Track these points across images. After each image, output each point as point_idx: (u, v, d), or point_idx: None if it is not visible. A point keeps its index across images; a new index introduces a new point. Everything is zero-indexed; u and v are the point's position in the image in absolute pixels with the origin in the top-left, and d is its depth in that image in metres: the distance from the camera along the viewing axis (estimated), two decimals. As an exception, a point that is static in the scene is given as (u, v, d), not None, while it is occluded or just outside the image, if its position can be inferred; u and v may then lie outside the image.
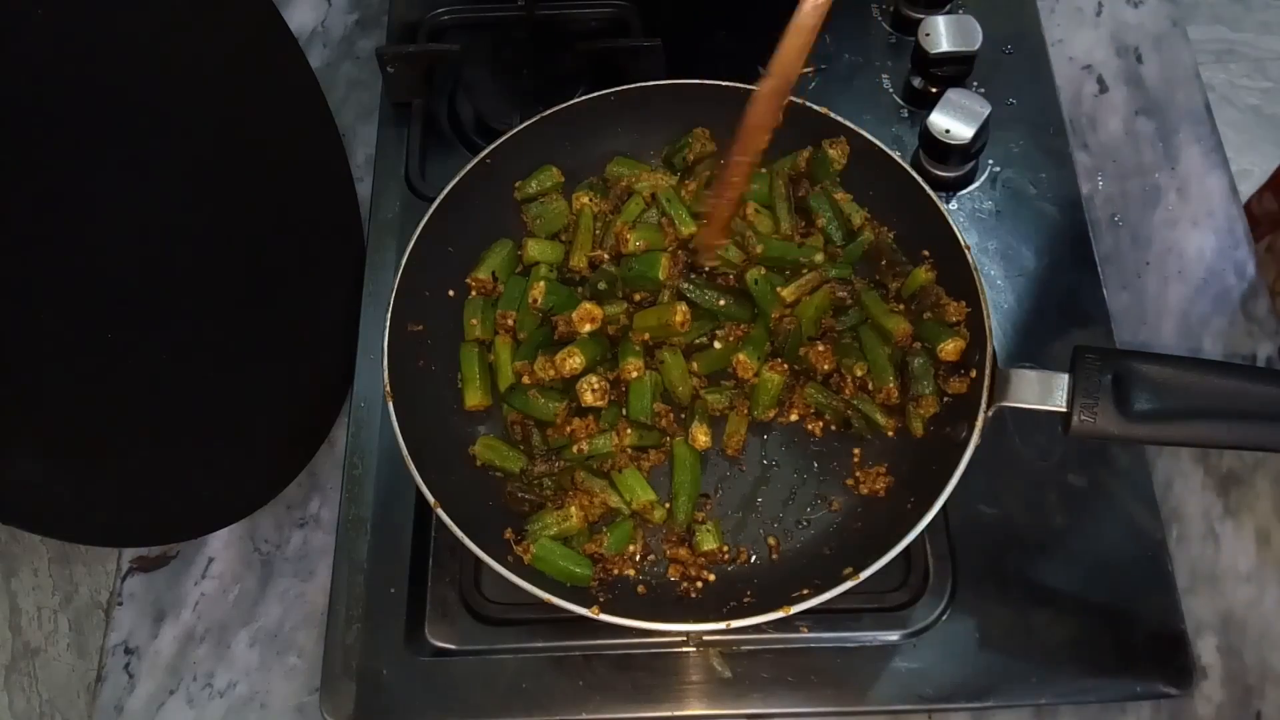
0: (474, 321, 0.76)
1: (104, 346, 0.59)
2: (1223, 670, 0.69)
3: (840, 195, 0.79)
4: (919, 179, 0.74)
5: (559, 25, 0.92)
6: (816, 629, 0.69)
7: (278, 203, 0.75)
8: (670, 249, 0.78)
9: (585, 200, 0.80)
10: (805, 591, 0.62)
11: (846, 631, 0.69)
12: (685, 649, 0.69)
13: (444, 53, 0.89)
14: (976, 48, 0.85)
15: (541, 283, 0.76)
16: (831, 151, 0.79)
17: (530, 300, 0.76)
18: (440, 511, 0.64)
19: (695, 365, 0.75)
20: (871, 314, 0.75)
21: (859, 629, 0.69)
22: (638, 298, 0.77)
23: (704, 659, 0.69)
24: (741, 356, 0.74)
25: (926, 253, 0.76)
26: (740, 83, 0.78)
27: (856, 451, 0.73)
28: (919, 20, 0.87)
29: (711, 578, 0.69)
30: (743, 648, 0.69)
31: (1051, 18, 0.94)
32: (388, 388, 0.69)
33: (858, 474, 0.72)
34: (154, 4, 0.63)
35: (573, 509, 0.69)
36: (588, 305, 0.73)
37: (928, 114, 0.81)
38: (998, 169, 0.85)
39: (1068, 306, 0.79)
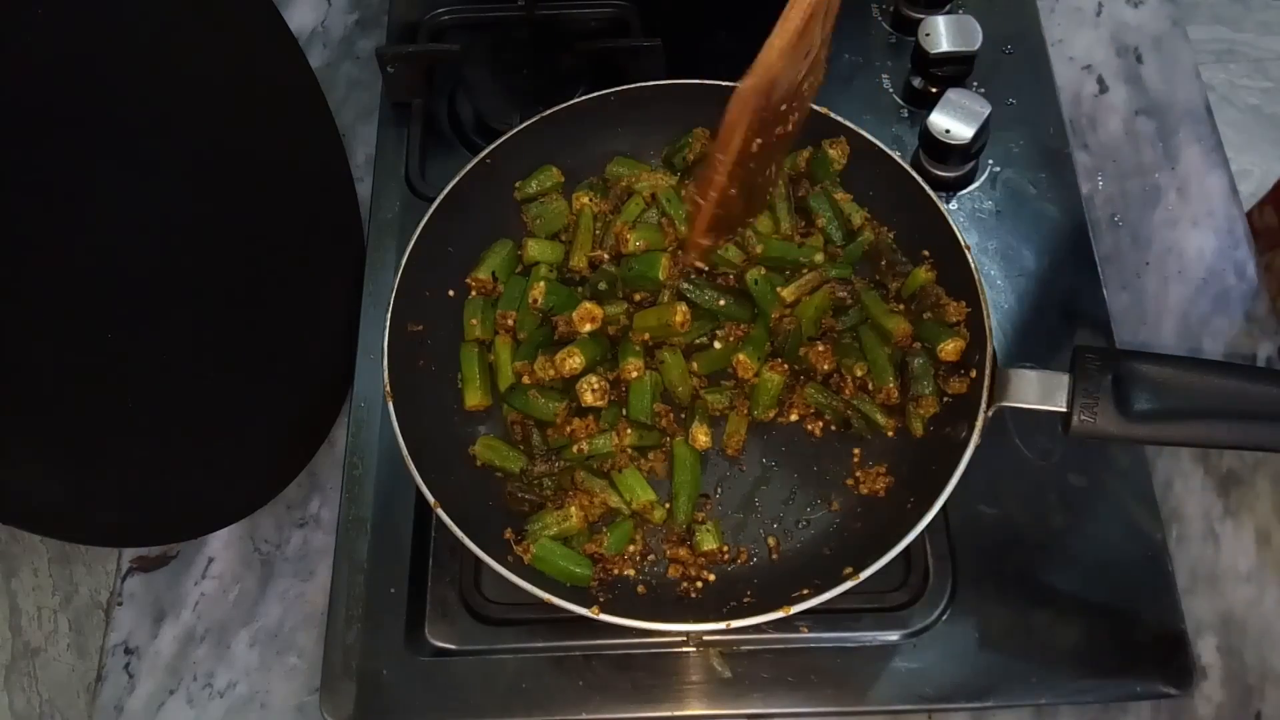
0: (474, 321, 0.76)
1: (104, 346, 0.59)
2: (1223, 670, 0.69)
3: (840, 195, 0.79)
4: (919, 179, 0.74)
5: (559, 25, 0.92)
6: (816, 629, 0.69)
7: (278, 203, 0.75)
8: (670, 249, 0.78)
9: (585, 200, 0.80)
10: (805, 591, 0.62)
11: (846, 631, 0.69)
12: (685, 649, 0.69)
13: (444, 53, 0.89)
14: (976, 48, 0.85)
15: (541, 283, 0.76)
16: (831, 151, 0.79)
17: (530, 300, 0.76)
18: (440, 511, 0.64)
19: (695, 365, 0.75)
20: (871, 314, 0.75)
21: (859, 629, 0.69)
22: (638, 298, 0.77)
23: (704, 659, 0.69)
24: (741, 356, 0.74)
25: (926, 253, 0.76)
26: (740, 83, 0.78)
27: (856, 451, 0.73)
28: (919, 20, 0.87)
29: (711, 578, 0.69)
30: (743, 648, 0.69)
31: (1051, 18, 0.94)
32: (388, 388, 0.69)
33: (858, 474, 0.72)
34: (154, 4, 0.63)
35: (573, 509, 0.69)
36: (588, 305, 0.74)
37: (928, 114, 0.81)
38: (998, 169, 0.85)
39: (1068, 306, 0.79)
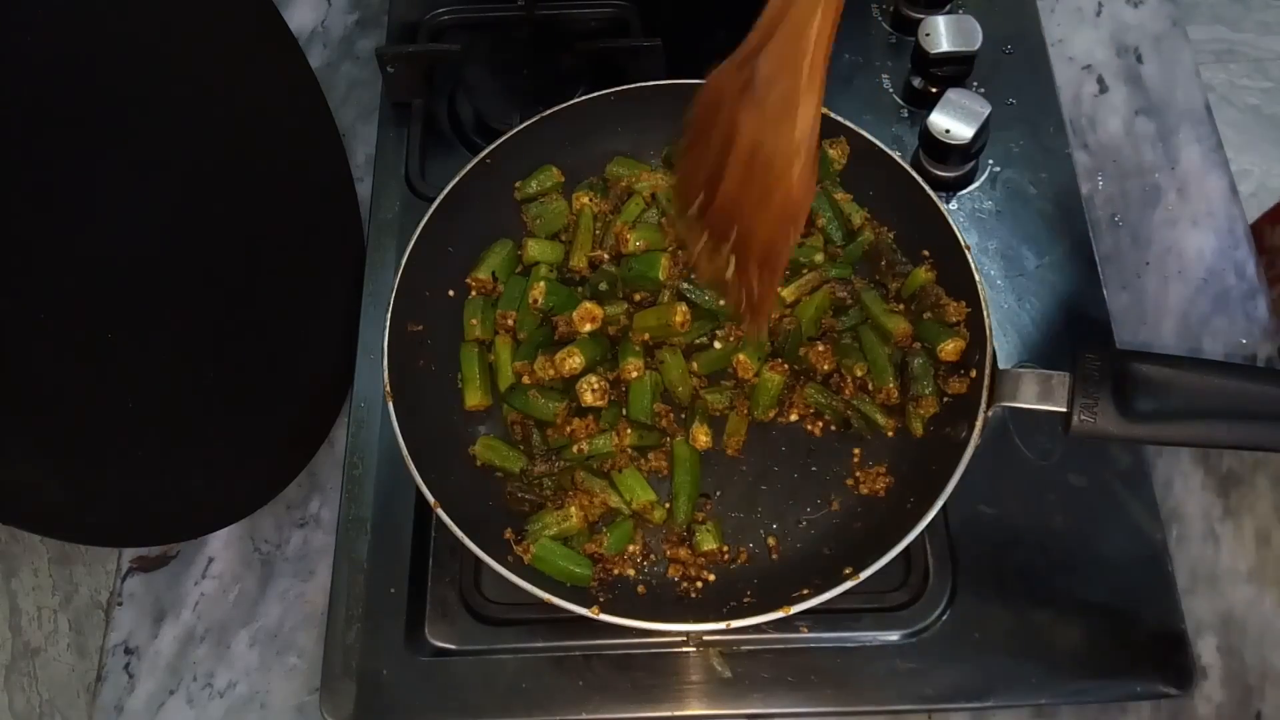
0: (474, 321, 0.76)
1: (104, 346, 0.59)
2: (1223, 670, 0.69)
3: (840, 195, 0.79)
4: (919, 179, 0.74)
5: (559, 25, 0.92)
6: (816, 629, 0.69)
7: (278, 203, 0.75)
8: (670, 249, 0.78)
9: (585, 200, 0.80)
10: (805, 591, 0.62)
11: (846, 631, 0.69)
12: (685, 649, 0.69)
13: (444, 53, 0.89)
14: (976, 48, 0.85)
15: (542, 283, 0.76)
16: (831, 151, 0.79)
17: (530, 300, 0.76)
18: (440, 511, 0.64)
19: (695, 365, 0.75)
20: (871, 314, 0.75)
21: (859, 629, 0.69)
22: (638, 298, 0.77)
23: (704, 659, 0.69)
24: (742, 357, 0.74)
25: (926, 253, 0.76)
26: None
27: (856, 451, 0.73)
28: (919, 20, 0.87)
29: (711, 578, 0.69)
30: (743, 648, 0.69)
31: (1051, 18, 0.94)
32: (388, 388, 0.69)
33: (858, 474, 0.72)
34: (154, 4, 0.63)
35: (573, 509, 0.69)
36: (588, 305, 0.74)
37: (928, 114, 0.81)
38: (998, 169, 0.85)
39: (1068, 306, 0.79)
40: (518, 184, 0.80)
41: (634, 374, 0.73)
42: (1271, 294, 0.81)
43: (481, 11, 0.94)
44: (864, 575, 0.62)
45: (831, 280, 0.76)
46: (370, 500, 0.74)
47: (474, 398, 0.74)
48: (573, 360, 0.72)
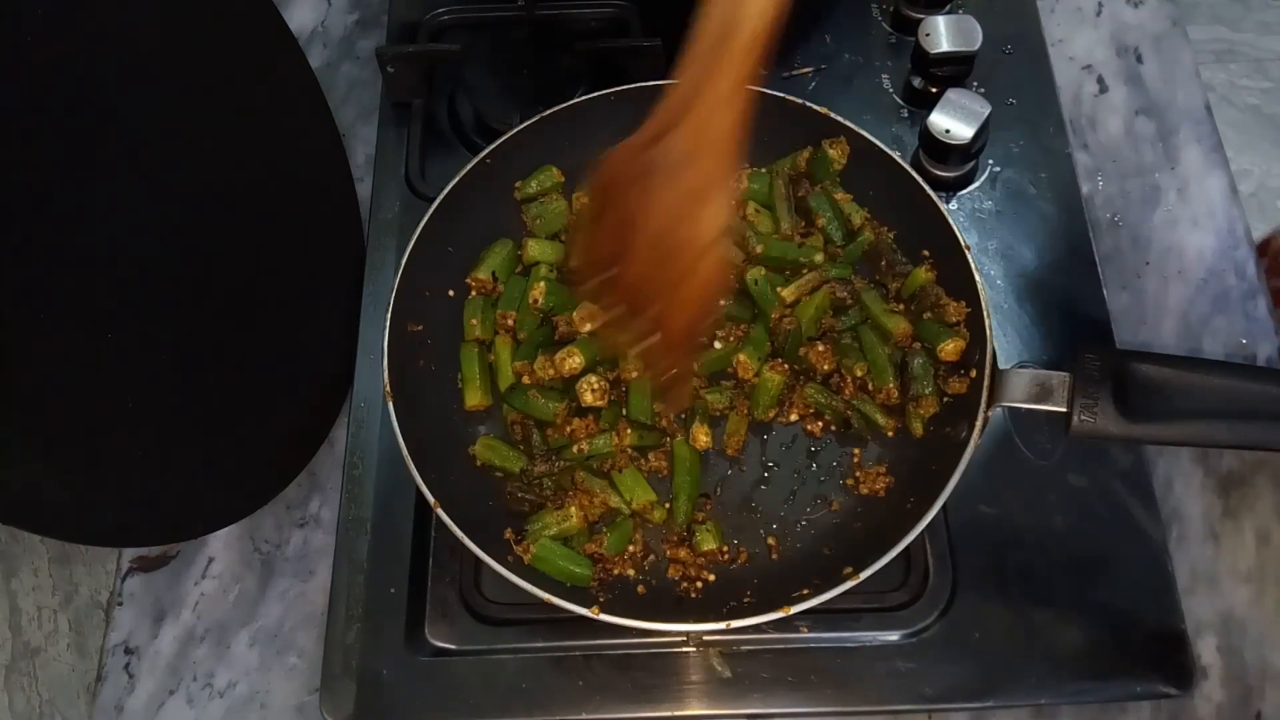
0: (474, 321, 0.76)
1: (104, 347, 0.59)
2: (1223, 670, 0.69)
3: (840, 195, 0.79)
4: (919, 179, 0.74)
5: (559, 25, 0.92)
6: (816, 629, 0.69)
7: (277, 202, 0.75)
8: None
9: (585, 200, 0.80)
10: (805, 591, 0.62)
11: (846, 631, 0.69)
12: (685, 649, 0.69)
13: (444, 53, 0.89)
14: (976, 48, 0.85)
15: (542, 283, 0.76)
16: (831, 151, 0.79)
17: (530, 300, 0.76)
18: (440, 511, 0.64)
19: (695, 365, 0.75)
20: (871, 314, 0.75)
21: (859, 629, 0.69)
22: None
23: (704, 659, 0.69)
24: (742, 357, 0.74)
25: (926, 253, 0.76)
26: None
27: (856, 451, 0.73)
28: (919, 20, 0.87)
29: (711, 578, 0.69)
30: (743, 648, 0.69)
31: (1051, 18, 0.94)
32: (388, 388, 0.69)
33: (858, 474, 0.72)
34: (154, 4, 0.63)
35: (573, 509, 0.69)
36: (588, 305, 0.73)
37: (928, 114, 0.81)
38: (998, 169, 0.85)
39: (1068, 306, 0.79)
40: (518, 184, 0.80)
41: (634, 374, 0.73)
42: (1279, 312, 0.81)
43: (481, 11, 0.94)
44: (864, 575, 0.62)
45: (831, 280, 0.76)
46: (370, 500, 0.74)
47: (474, 398, 0.74)
48: (573, 360, 0.72)
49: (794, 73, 0.90)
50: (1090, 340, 0.77)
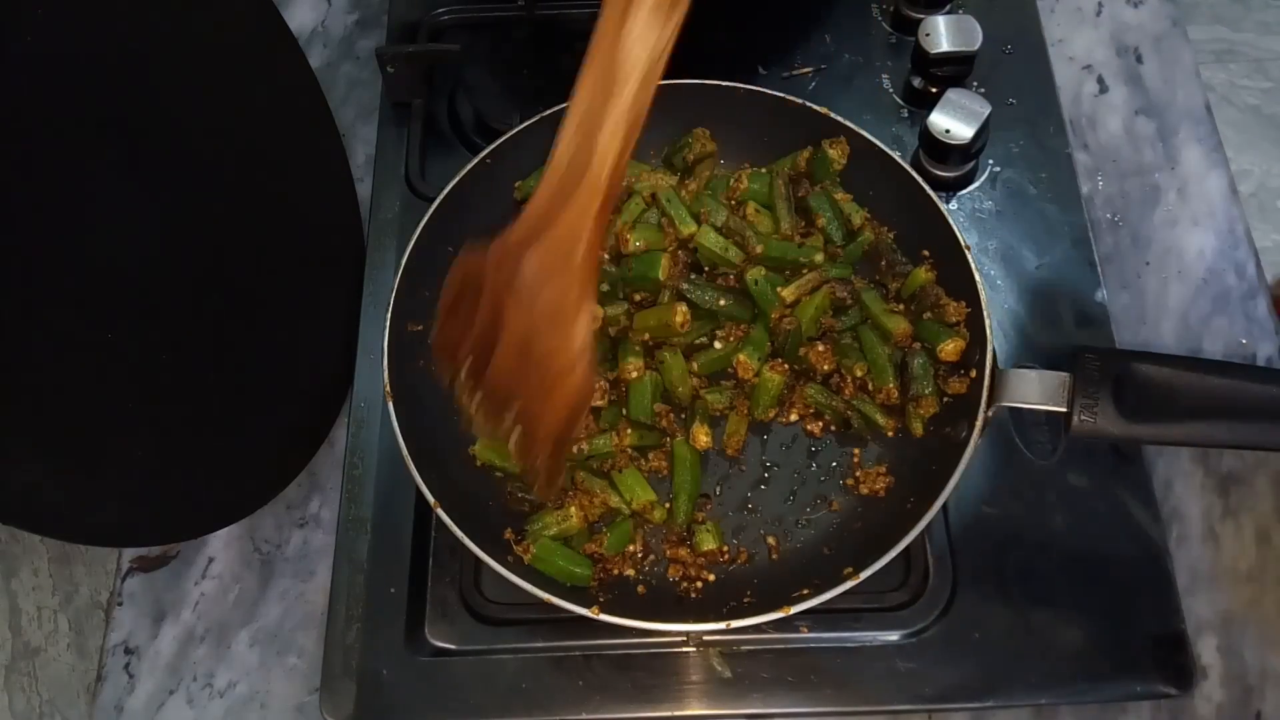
0: (474, 321, 0.76)
1: (104, 346, 0.59)
2: (1223, 670, 0.69)
3: (840, 195, 0.79)
4: (919, 179, 0.74)
5: (559, 25, 0.92)
6: (816, 629, 0.69)
7: (278, 203, 0.75)
8: (670, 249, 0.78)
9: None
10: (805, 591, 0.62)
11: (846, 631, 0.69)
12: (685, 649, 0.69)
13: (444, 53, 0.89)
14: (976, 48, 0.85)
15: (541, 283, 0.76)
16: (831, 151, 0.79)
17: (530, 300, 0.76)
18: (440, 512, 0.64)
19: (695, 365, 0.75)
20: (871, 314, 0.75)
21: (859, 629, 0.69)
22: (638, 298, 0.77)
23: (704, 659, 0.69)
24: (742, 357, 0.74)
25: (926, 253, 0.76)
26: (740, 83, 0.78)
27: (856, 451, 0.73)
28: (919, 20, 0.87)
29: (711, 578, 0.69)
30: (743, 648, 0.69)
31: (1051, 18, 0.94)
32: (388, 388, 0.69)
33: (857, 474, 0.72)
34: (154, 4, 0.63)
35: (573, 509, 0.69)
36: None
37: (928, 114, 0.81)
38: (998, 169, 0.85)
39: (1068, 306, 0.79)
40: (518, 184, 0.80)
41: (634, 374, 0.73)
42: None
43: (481, 11, 0.94)
44: (864, 575, 0.62)
45: (831, 280, 0.76)
46: (370, 500, 0.74)
47: (474, 398, 0.74)
48: (573, 360, 0.72)
49: (794, 73, 0.90)
50: (1090, 340, 0.77)
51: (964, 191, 0.84)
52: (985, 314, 0.69)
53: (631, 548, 0.70)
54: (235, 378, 0.69)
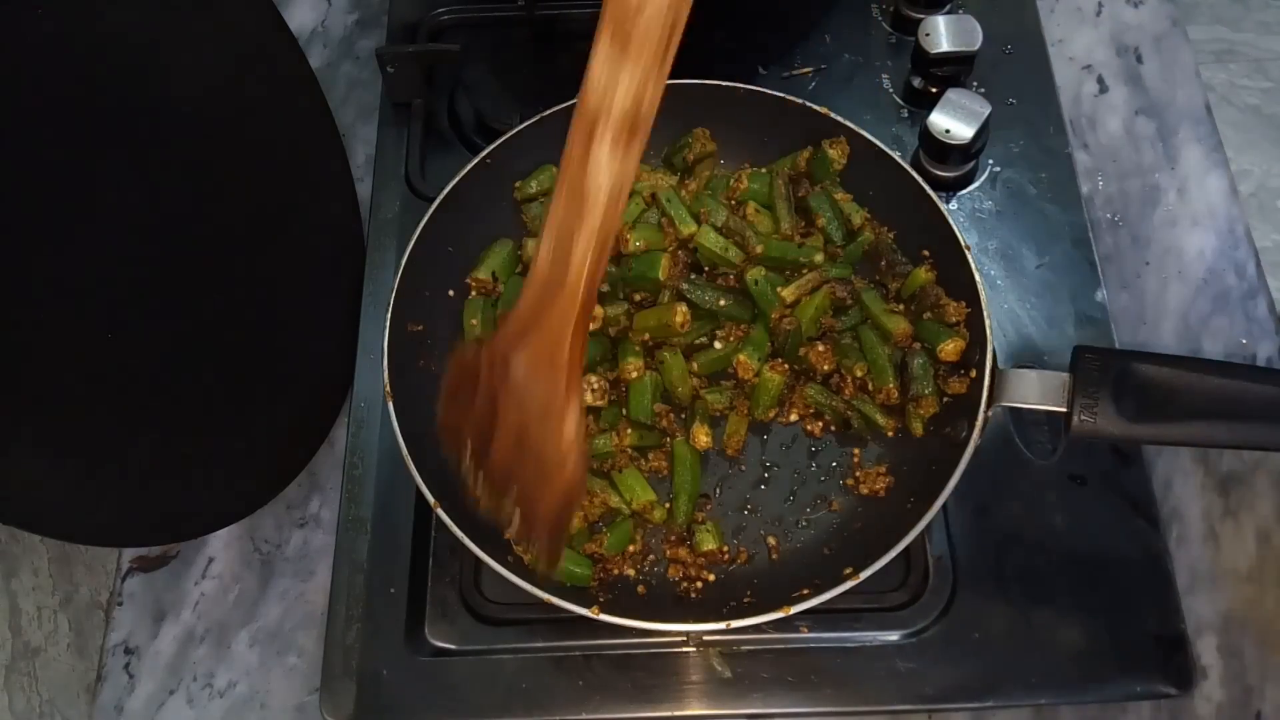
0: (474, 321, 0.76)
1: (104, 346, 0.59)
2: (1223, 670, 0.69)
3: (840, 195, 0.79)
4: (919, 179, 0.74)
5: (559, 25, 0.92)
6: (816, 629, 0.69)
7: (278, 203, 0.75)
8: (670, 249, 0.78)
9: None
10: (805, 592, 0.62)
11: (846, 631, 0.69)
12: (685, 649, 0.69)
13: (444, 53, 0.89)
14: (976, 48, 0.85)
15: (541, 283, 0.76)
16: (831, 151, 0.79)
17: (530, 300, 0.76)
18: (440, 512, 0.64)
19: (695, 365, 0.75)
20: (871, 314, 0.75)
21: (859, 629, 0.69)
22: (638, 298, 0.77)
23: (704, 659, 0.69)
24: (742, 357, 0.74)
25: (926, 253, 0.76)
26: (740, 83, 0.78)
27: (856, 451, 0.73)
28: (919, 20, 0.87)
29: (711, 578, 0.69)
30: (743, 648, 0.69)
31: (1051, 18, 0.94)
32: (388, 388, 0.69)
33: (857, 474, 0.72)
34: (154, 4, 0.63)
35: None
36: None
37: (928, 114, 0.81)
38: (998, 169, 0.85)
39: (1068, 306, 0.79)
40: (518, 184, 0.80)
41: (634, 374, 0.73)
42: None
43: (481, 11, 0.94)
44: (864, 575, 0.62)
45: (831, 280, 0.76)
46: (370, 500, 0.74)
47: (474, 398, 0.74)
48: (572, 360, 0.72)
49: (794, 73, 0.90)
50: (1090, 340, 0.77)
51: (964, 191, 0.84)
52: (985, 314, 0.69)
53: (632, 548, 0.70)
54: (235, 378, 0.69)
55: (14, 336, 0.53)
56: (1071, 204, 0.83)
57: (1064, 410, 0.62)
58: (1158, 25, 0.94)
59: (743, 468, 0.74)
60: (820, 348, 0.74)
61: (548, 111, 0.78)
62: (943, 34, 0.85)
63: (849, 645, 0.69)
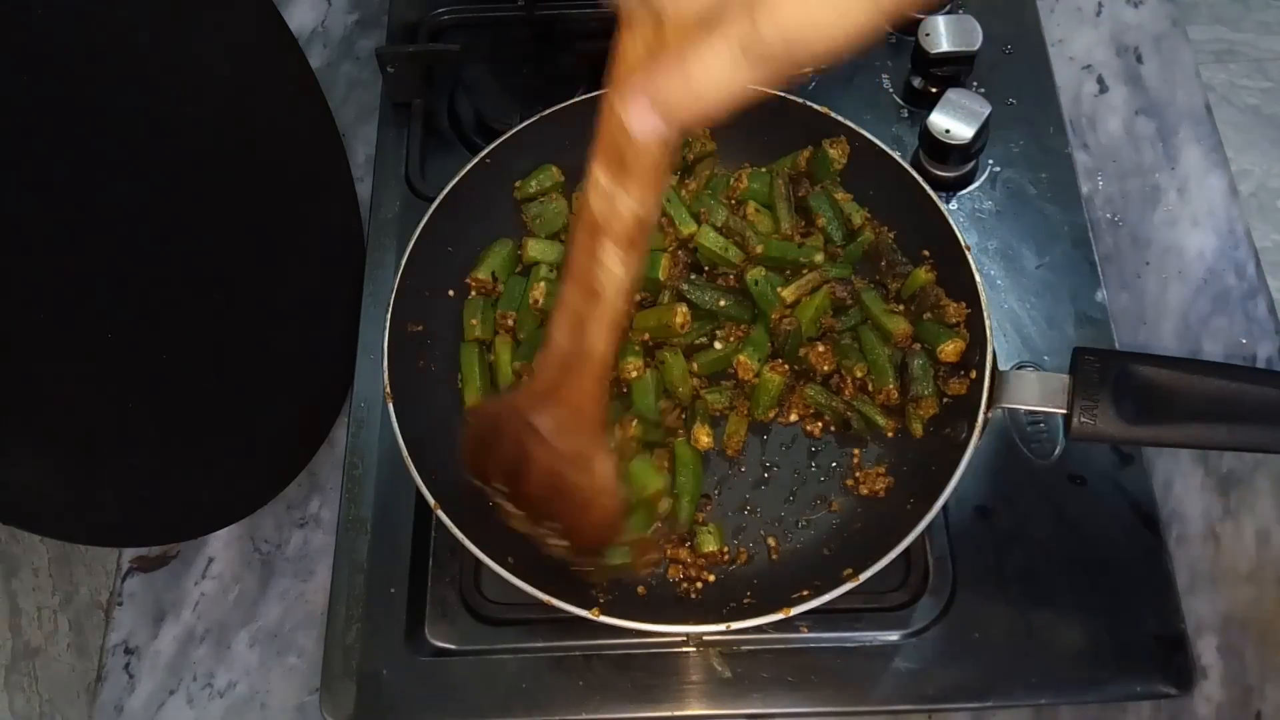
0: (474, 321, 0.76)
1: (104, 346, 0.59)
2: (1223, 670, 0.69)
3: (840, 195, 0.79)
4: (919, 179, 0.74)
5: (559, 25, 0.92)
6: (816, 629, 0.69)
7: (278, 203, 0.75)
8: (670, 249, 0.78)
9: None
10: (805, 592, 0.62)
11: (846, 631, 0.69)
12: (685, 649, 0.69)
13: (444, 53, 0.89)
14: (976, 48, 0.85)
15: (542, 283, 0.76)
16: (831, 151, 0.79)
17: (531, 300, 0.76)
18: (440, 513, 0.64)
19: (695, 365, 0.75)
20: (871, 314, 0.75)
21: (859, 629, 0.69)
22: (638, 298, 0.77)
23: (704, 659, 0.69)
24: (742, 357, 0.74)
25: (926, 253, 0.76)
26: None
27: (856, 452, 0.73)
28: (919, 20, 0.87)
29: (711, 578, 0.69)
30: (743, 648, 0.69)
31: (1051, 18, 0.94)
32: (388, 388, 0.69)
33: (857, 475, 0.72)
34: (154, 4, 0.63)
35: None
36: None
37: (928, 114, 0.81)
38: (998, 169, 0.85)
39: (1068, 307, 0.79)
40: (518, 184, 0.80)
41: (634, 374, 0.73)
42: None
43: (481, 11, 0.94)
44: (864, 577, 0.62)
45: (831, 280, 0.76)
46: (370, 500, 0.74)
47: (474, 398, 0.74)
48: (572, 359, 0.72)
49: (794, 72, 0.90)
50: (1090, 340, 0.77)
51: (964, 191, 0.84)
52: (985, 315, 0.69)
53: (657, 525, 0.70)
54: (235, 378, 0.69)
55: (14, 336, 0.53)
56: (1071, 204, 0.83)
57: (1064, 412, 0.62)
58: (1158, 25, 0.94)
59: (742, 468, 0.74)
60: (820, 348, 0.74)
61: (547, 111, 0.78)
62: (943, 34, 0.85)
63: (849, 645, 0.69)
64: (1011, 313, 0.79)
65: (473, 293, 0.78)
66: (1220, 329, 0.80)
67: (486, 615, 0.71)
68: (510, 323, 0.76)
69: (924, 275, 0.74)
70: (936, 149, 0.81)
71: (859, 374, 0.74)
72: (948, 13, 0.89)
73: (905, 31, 0.91)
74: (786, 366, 0.74)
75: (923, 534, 0.63)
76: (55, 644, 0.71)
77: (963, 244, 0.71)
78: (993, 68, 0.88)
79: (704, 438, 0.72)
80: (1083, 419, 0.62)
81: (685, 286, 0.76)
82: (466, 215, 0.77)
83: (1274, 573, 0.72)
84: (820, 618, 0.68)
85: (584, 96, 0.79)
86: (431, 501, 0.65)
